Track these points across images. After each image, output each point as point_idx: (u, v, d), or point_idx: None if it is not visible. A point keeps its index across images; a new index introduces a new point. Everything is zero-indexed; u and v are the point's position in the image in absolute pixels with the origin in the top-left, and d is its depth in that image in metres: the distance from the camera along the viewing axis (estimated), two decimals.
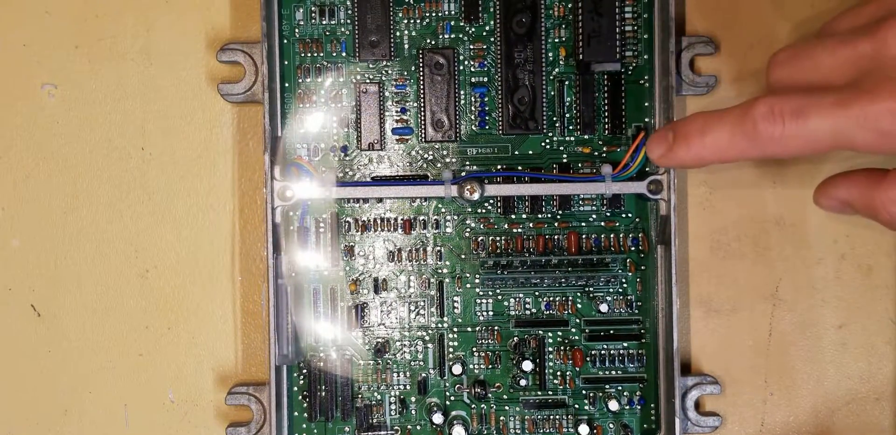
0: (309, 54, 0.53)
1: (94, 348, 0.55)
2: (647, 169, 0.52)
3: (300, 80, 0.53)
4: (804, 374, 0.55)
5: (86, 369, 0.55)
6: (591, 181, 0.52)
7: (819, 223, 0.54)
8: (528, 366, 0.53)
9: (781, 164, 0.54)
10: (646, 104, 0.53)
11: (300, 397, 0.53)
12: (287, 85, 0.53)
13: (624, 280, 0.53)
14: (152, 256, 0.55)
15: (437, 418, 0.52)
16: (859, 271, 0.54)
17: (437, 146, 0.53)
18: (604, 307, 0.53)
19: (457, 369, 0.53)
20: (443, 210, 0.53)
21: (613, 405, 0.53)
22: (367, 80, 0.53)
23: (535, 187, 0.52)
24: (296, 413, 0.53)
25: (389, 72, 0.53)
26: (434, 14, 0.53)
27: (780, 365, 0.55)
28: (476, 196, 0.51)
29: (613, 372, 0.53)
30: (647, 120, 0.53)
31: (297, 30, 0.53)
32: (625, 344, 0.53)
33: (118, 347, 0.55)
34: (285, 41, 0.53)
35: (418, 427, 0.53)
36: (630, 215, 0.53)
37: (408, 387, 0.53)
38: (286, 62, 0.53)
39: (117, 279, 0.55)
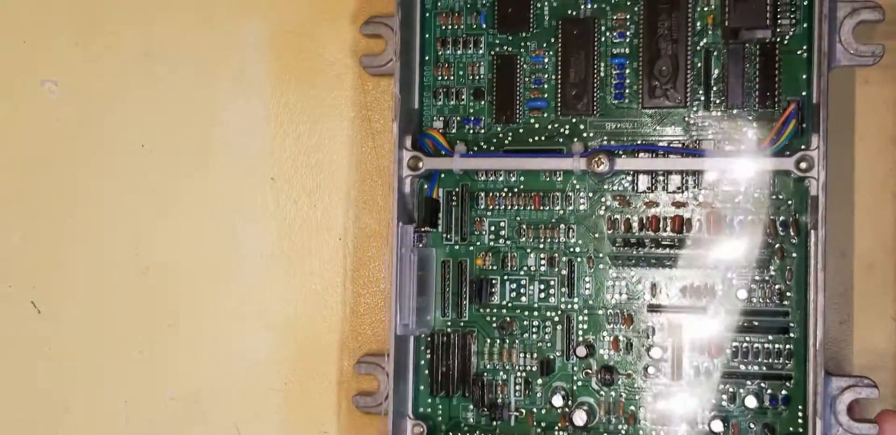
0: (449, 27, 0.52)
1: (94, 346, 0.54)
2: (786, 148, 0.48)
3: (440, 53, 0.53)
4: None
5: (86, 367, 0.54)
6: (726, 157, 0.48)
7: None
8: (656, 353, 0.49)
9: None
10: (803, 76, 0.48)
11: (426, 372, 0.52)
12: (427, 58, 0.53)
13: (773, 267, 0.49)
14: (152, 253, 0.54)
15: (557, 401, 0.50)
16: (859, 268, 0.50)
17: (573, 120, 0.51)
18: (742, 294, 0.49)
19: (581, 352, 0.50)
20: (577, 186, 0.51)
21: (751, 402, 0.48)
22: (506, 52, 0.52)
23: (663, 162, 0.49)
24: (421, 387, 0.52)
25: (528, 43, 0.52)
26: None
27: None
28: (604, 168, 0.48)
29: (756, 367, 0.49)
30: (804, 93, 0.48)
31: (438, 2, 0.52)
32: (770, 337, 0.49)
33: (118, 344, 0.54)
34: (426, 14, 0.52)
35: (543, 411, 0.51)
36: (781, 197, 0.49)
37: (533, 368, 0.51)
38: (427, 35, 0.53)
39: (117, 276, 0.54)
